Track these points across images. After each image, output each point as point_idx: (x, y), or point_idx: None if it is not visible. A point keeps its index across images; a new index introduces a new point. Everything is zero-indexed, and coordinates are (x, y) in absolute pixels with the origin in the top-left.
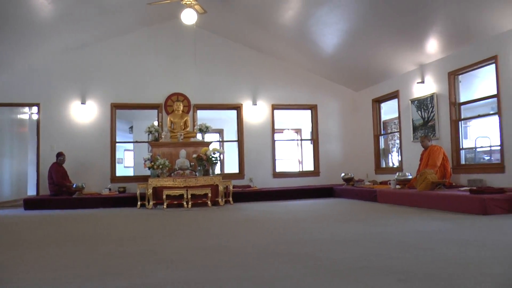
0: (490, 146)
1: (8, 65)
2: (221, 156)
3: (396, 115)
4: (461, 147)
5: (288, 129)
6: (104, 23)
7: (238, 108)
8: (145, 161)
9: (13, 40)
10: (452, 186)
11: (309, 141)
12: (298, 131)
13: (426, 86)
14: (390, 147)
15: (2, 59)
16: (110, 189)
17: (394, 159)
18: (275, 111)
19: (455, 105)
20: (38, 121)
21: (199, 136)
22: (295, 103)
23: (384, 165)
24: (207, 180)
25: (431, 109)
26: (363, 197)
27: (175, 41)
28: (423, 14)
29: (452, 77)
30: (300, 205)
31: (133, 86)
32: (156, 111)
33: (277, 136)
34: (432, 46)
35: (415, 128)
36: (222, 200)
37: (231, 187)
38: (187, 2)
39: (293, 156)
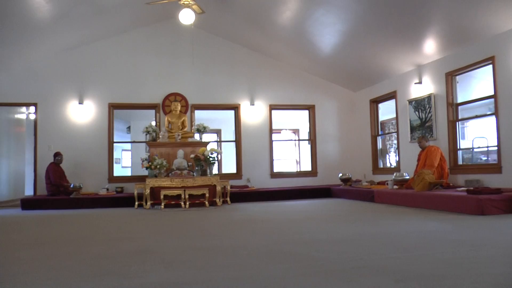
0: (487, 147)
1: (6, 64)
2: (219, 156)
3: (394, 115)
4: (458, 147)
5: (286, 130)
6: (102, 23)
7: (235, 108)
8: (143, 161)
9: (11, 40)
10: (449, 186)
11: (307, 142)
12: (295, 131)
13: (423, 87)
14: (388, 147)
15: None
16: (107, 189)
17: (391, 159)
18: (273, 111)
19: (453, 106)
20: (35, 121)
21: (196, 136)
22: (292, 104)
23: (381, 166)
24: (204, 180)
25: (428, 109)
26: (360, 198)
27: (173, 41)
28: (421, 15)
29: (450, 78)
30: (298, 206)
31: (131, 86)
32: (153, 111)
33: (274, 136)
34: (430, 47)
35: (412, 129)
36: (219, 200)
37: (228, 187)
38: (185, 2)
39: (291, 157)
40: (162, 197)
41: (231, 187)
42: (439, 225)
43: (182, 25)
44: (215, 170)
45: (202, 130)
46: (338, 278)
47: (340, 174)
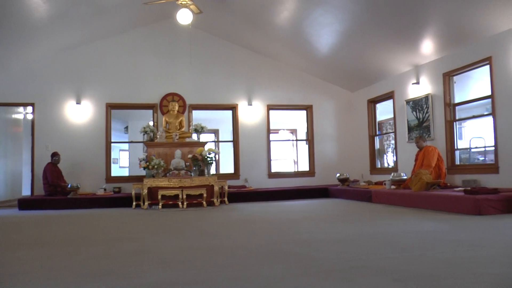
0: (485, 147)
1: (3, 64)
2: (217, 156)
3: (391, 115)
4: (455, 147)
5: (284, 130)
6: (100, 23)
7: (233, 108)
8: (140, 161)
9: (8, 40)
10: (446, 186)
11: (305, 142)
12: (293, 131)
13: (421, 87)
14: (385, 147)
15: None
16: (105, 189)
17: (389, 159)
18: (271, 112)
19: (450, 106)
20: (33, 121)
21: (194, 136)
22: (290, 104)
23: (379, 166)
24: (202, 181)
25: (426, 109)
26: (358, 198)
27: (170, 41)
28: (418, 15)
29: (447, 78)
30: (295, 206)
31: (129, 86)
32: (151, 111)
33: (272, 136)
34: (427, 47)
35: (410, 129)
36: (217, 200)
37: (226, 187)
38: (183, 2)
39: (289, 157)
40: (159, 197)
41: (229, 187)
42: (436, 225)
43: (180, 25)
44: (212, 170)
45: (199, 130)
46: (337, 278)
47: (338, 174)
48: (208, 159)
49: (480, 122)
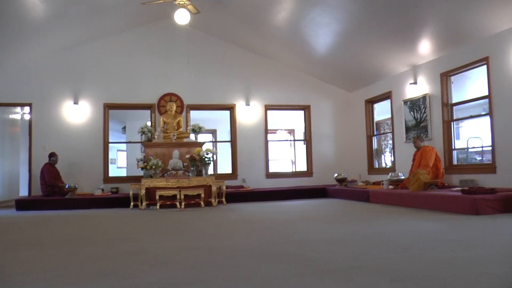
0: (482, 147)
1: (0, 64)
2: (214, 156)
3: (389, 115)
4: (453, 147)
5: (281, 130)
6: (97, 23)
7: (231, 108)
8: (138, 161)
9: (5, 40)
10: (444, 186)
11: (302, 142)
12: (291, 131)
13: (418, 87)
14: (383, 147)
15: None
16: (103, 190)
17: (387, 159)
18: (268, 112)
19: (447, 106)
20: (30, 121)
21: (192, 137)
22: (288, 104)
23: (377, 166)
24: (200, 181)
25: (423, 109)
26: (356, 198)
27: (168, 41)
28: (416, 15)
29: (444, 78)
30: (293, 206)
31: (126, 86)
32: (149, 111)
33: (270, 136)
34: (425, 48)
35: (407, 129)
36: (215, 200)
37: (224, 188)
38: (180, 2)
39: (286, 157)
40: (157, 197)
41: (227, 187)
42: (434, 225)
43: (177, 25)
44: (210, 171)
45: (197, 130)
46: (334, 278)
47: (336, 174)
48: (206, 159)
49: (478, 122)
